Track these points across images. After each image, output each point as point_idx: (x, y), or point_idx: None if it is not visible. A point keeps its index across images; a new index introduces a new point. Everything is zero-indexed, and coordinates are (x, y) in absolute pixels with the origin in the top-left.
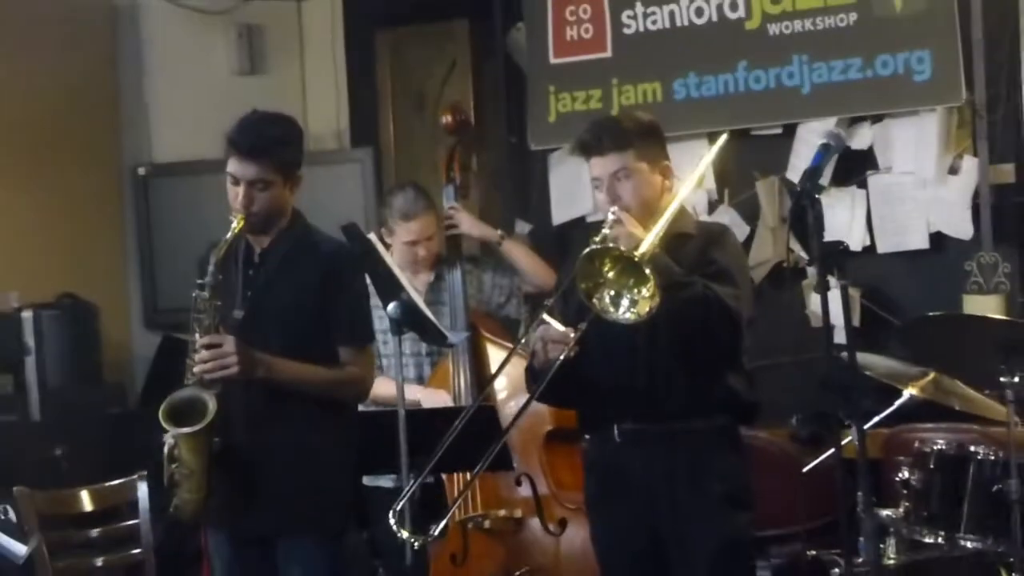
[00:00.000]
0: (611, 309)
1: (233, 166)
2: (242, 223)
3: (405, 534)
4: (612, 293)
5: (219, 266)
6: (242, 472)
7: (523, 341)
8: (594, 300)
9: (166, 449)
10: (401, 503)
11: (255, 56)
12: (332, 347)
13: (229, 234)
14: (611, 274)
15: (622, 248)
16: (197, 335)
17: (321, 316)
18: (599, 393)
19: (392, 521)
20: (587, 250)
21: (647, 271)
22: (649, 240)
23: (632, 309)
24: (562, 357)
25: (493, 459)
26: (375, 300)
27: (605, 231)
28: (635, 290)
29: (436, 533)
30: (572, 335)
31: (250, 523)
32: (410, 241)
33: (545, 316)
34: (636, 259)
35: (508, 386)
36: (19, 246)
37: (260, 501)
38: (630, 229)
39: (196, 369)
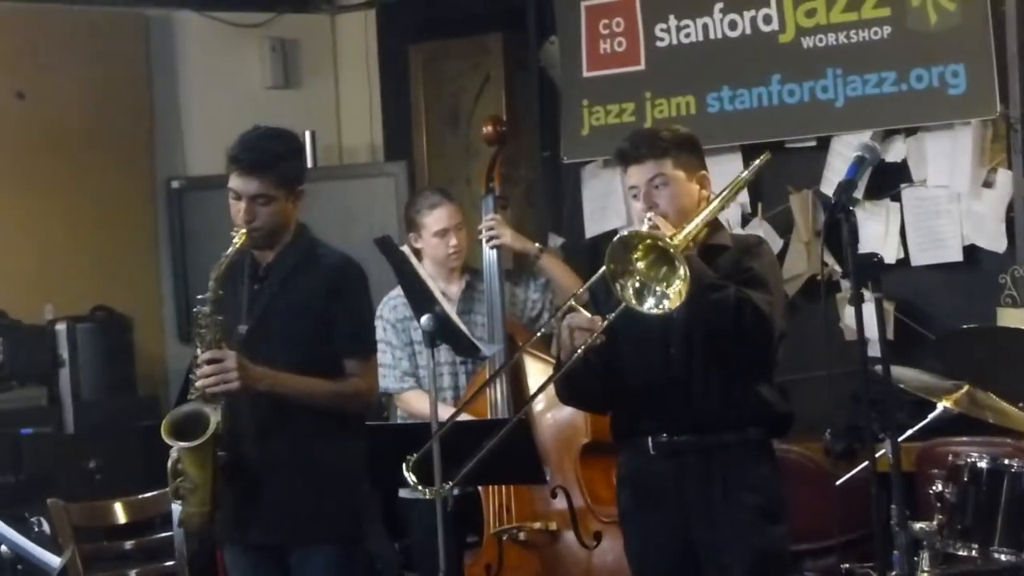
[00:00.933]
0: (634, 300)
1: (235, 182)
2: (244, 238)
3: (414, 480)
4: (638, 284)
5: (219, 281)
6: (251, 485)
7: (541, 331)
8: (617, 284)
9: (170, 463)
10: (419, 455)
11: (289, 70)
12: (337, 359)
13: (230, 249)
14: (641, 264)
15: (657, 236)
16: (199, 350)
17: (325, 329)
18: (631, 399)
19: (406, 472)
20: (621, 234)
21: (678, 263)
22: (684, 233)
23: (658, 305)
24: (586, 344)
25: (524, 472)
26: (408, 312)
27: None
28: (663, 283)
29: (449, 488)
30: (600, 323)
31: (262, 534)
32: (440, 230)
33: (572, 303)
34: (671, 249)
35: (544, 397)
36: (53, 259)
37: (271, 512)
38: (665, 232)
39: (198, 384)
